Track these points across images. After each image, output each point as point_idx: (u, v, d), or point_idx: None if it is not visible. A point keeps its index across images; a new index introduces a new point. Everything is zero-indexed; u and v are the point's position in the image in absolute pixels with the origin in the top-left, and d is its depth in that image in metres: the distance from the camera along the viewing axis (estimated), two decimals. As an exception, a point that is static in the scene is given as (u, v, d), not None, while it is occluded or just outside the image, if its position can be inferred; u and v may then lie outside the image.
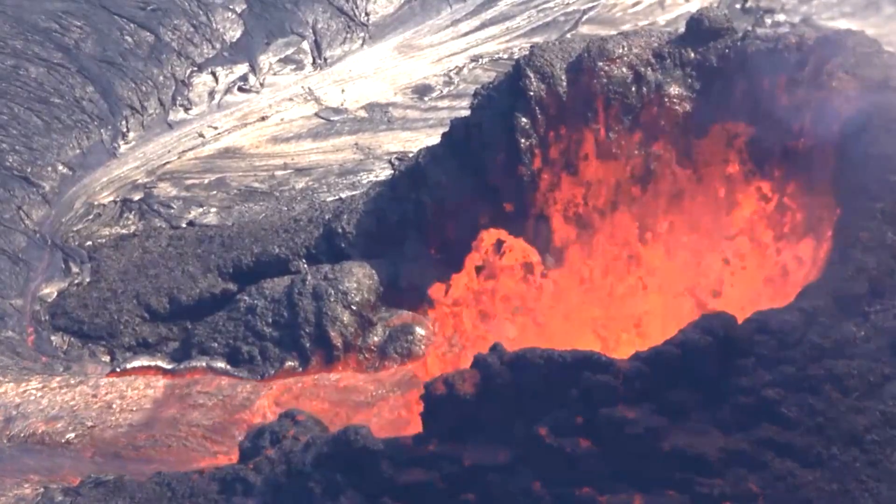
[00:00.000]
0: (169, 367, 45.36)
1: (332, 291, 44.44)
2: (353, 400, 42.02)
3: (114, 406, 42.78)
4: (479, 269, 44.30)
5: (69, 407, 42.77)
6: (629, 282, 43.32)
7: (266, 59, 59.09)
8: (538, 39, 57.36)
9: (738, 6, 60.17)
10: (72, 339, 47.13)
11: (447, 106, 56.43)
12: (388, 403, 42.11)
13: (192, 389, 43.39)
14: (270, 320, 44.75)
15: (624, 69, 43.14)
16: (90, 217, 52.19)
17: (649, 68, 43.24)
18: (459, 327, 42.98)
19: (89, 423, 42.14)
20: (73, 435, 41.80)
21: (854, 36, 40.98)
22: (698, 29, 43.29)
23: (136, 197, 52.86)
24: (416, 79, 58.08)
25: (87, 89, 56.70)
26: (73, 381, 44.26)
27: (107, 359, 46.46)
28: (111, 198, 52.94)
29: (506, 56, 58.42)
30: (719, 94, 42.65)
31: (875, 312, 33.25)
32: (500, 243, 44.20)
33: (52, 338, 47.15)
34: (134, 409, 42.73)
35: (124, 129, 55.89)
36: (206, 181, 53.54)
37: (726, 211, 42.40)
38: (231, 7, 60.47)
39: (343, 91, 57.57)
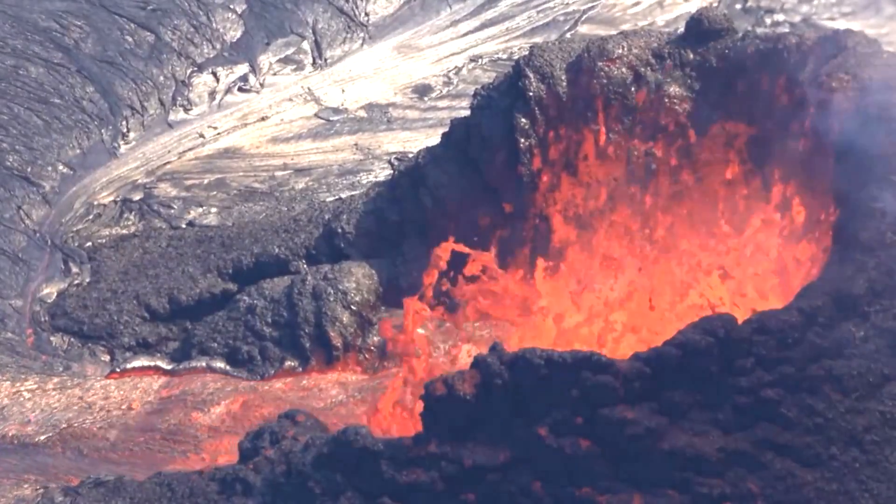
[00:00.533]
0: (169, 367, 45.38)
1: (332, 291, 44.47)
2: (311, 405, 42.06)
3: (93, 408, 42.86)
4: (438, 291, 44.22)
5: (49, 409, 42.89)
6: (629, 282, 43.30)
7: (266, 59, 59.11)
8: (538, 39, 57.36)
9: (738, 6, 60.18)
10: (72, 339, 47.13)
11: (447, 106, 56.42)
12: (346, 408, 42.13)
13: (169, 393, 43.67)
14: (270, 320, 44.78)
15: (624, 69, 43.16)
16: (90, 217, 52.20)
17: (649, 68, 43.26)
18: (412, 367, 42.68)
19: (63, 426, 42.23)
20: (42, 438, 41.89)
21: (854, 36, 40.97)
22: (698, 29, 43.29)
23: (136, 197, 52.87)
24: (416, 79, 58.08)
25: (88, 89, 56.70)
26: (69, 384, 44.31)
27: (107, 359, 46.47)
28: (111, 198, 52.95)
29: (505, 56, 58.42)
30: (719, 94, 42.65)
31: (875, 312, 33.29)
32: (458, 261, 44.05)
33: (52, 338, 47.16)
34: (112, 410, 42.82)
35: (124, 129, 55.90)
36: (206, 181, 53.54)
37: (726, 211, 42.41)
38: (231, 7, 60.47)
39: (343, 91, 57.58)
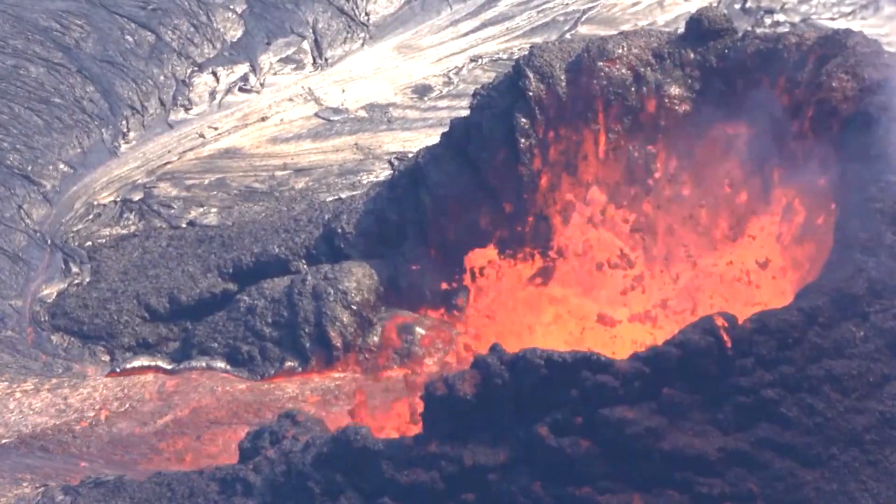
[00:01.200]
0: (169, 367, 45.39)
1: (332, 291, 44.47)
2: (260, 402, 42.28)
3: (69, 411, 42.94)
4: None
5: (29, 411, 42.90)
6: (628, 283, 43.28)
7: (266, 59, 59.11)
8: (538, 39, 57.36)
9: (737, 6, 60.19)
10: (72, 339, 47.13)
11: (447, 106, 56.42)
12: (294, 403, 42.27)
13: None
14: (270, 320, 44.77)
15: (624, 69, 43.15)
16: (90, 217, 52.20)
17: (649, 68, 43.26)
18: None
19: (26, 431, 42.28)
20: (5, 441, 41.93)
21: (854, 36, 41.00)
22: (698, 29, 43.29)
23: (137, 197, 52.87)
24: (416, 79, 58.09)
25: (88, 89, 56.71)
26: (66, 384, 44.31)
27: (107, 359, 46.48)
28: (111, 198, 52.95)
29: (505, 56, 58.41)
30: (719, 94, 42.65)
31: (875, 312, 33.35)
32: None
33: (53, 338, 47.18)
34: (86, 412, 42.92)
35: (125, 129, 55.90)
36: (207, 181, 53.54)
37: (726, 212, 42.41)
38: (231, 7, 60.48)
39: (343, 91, 57.58)
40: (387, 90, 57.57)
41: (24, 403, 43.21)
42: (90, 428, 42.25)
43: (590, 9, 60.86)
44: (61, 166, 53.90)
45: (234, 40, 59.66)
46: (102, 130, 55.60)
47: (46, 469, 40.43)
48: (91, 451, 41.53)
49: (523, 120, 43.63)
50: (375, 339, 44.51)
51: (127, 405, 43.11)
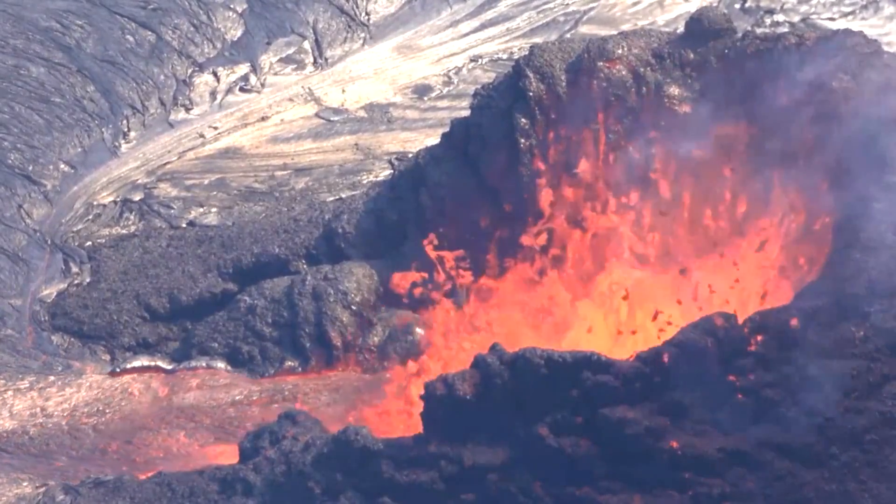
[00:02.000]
0: (169, 367, 45.41)
1: (332, 291, 44.48)
2: (204, 405, 42.30)
3: (39, 413, 42.95)
4: None
5: (6, 413, 42.94)
6: (627, 282, 43.28)
7: (267, 59, 59.12)
8: (538, 40, 57.36)
9: (737, 6, 60.20)
10: (72, 339, 47.15)
11: (447, 106, 56.44)
12: (236, 408, 42.25)
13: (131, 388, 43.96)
14: (270, 320, 44.79)
15: (624, 70, 43.16)
16: (90, 217, 52.22)
17: (649, 69, 43.27)
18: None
19: None
20: None
21: (854, 36, 41.02)
22: (698, 29, 43.30)
23: (137, 197, 52.89)
24: (416, 79, 58.10)
25: (88, 88, 56.74)
26: (59, 383, 44.31)
27: (107, 358, 46.51)
28: (111, 198, 52.98)
29: (505, 56, 58.43)
30: (719, 94, 42.65)
31: (875, 312, 33.32)
32: None
33: (53, 338, 47.20)
34: (53, 415, 42.94)
35: (125, 129, 55.92)
36: (207, 181, 53.56)
37: (726, 212, 42.41)
38: (232, 6, 60.50)
39: (343, 91, 57.60)
40: (387, 90, 57.60)
41: (7, 404, 43.23)
42: (44, 430, 42.28)
43: (590, 9, 60.88)
44: (62, 166, 53.93)
45: (235, 40, 59.68)
46: (103, 130, 55.63)
47: (40, 468, 40.52)
48: (51, 447, 41.61)
49: (523, 120, 43.64)
50: (376, 339, 44.55)
51: (96, 408, 43.10)
